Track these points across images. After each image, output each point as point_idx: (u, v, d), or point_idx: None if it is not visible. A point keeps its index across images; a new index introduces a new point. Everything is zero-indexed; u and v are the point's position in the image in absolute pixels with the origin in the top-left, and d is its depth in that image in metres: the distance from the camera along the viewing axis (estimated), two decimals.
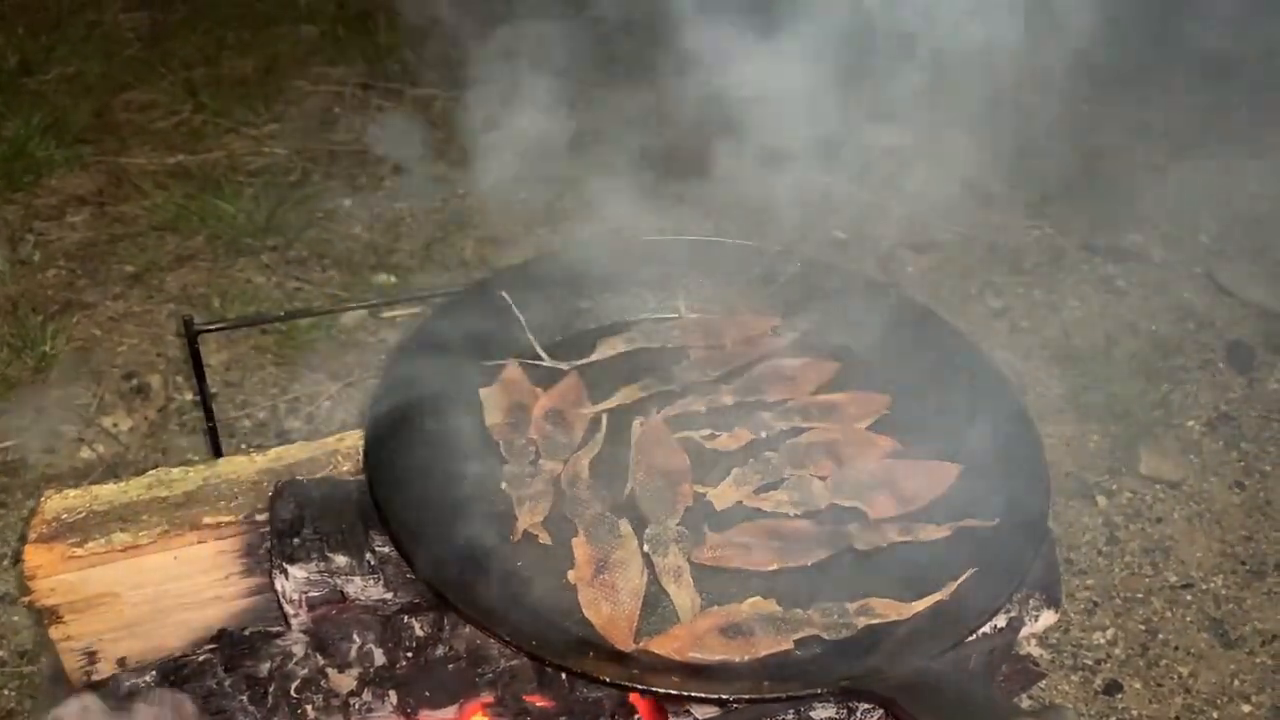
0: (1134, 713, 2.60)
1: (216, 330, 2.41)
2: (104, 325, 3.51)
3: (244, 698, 1.70)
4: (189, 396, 3.26)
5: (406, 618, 1.72)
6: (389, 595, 1.75)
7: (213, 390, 3.19)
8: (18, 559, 2.77)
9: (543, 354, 2.08)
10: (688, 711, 1.67)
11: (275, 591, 1.74)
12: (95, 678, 1.82)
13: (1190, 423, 3.35)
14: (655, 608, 1.68)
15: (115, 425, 3.17)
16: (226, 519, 1.80)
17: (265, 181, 4.15)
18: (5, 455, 3.07)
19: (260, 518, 1.80)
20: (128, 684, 1.75)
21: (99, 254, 3.79)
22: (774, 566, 1.74)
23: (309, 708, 1.69)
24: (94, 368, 3.34)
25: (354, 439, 1.96)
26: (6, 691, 2.54)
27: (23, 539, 2.78)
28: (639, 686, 1.55)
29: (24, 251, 3.77)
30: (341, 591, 1.74)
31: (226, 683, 1.71)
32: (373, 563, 1.74)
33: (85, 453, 3.09)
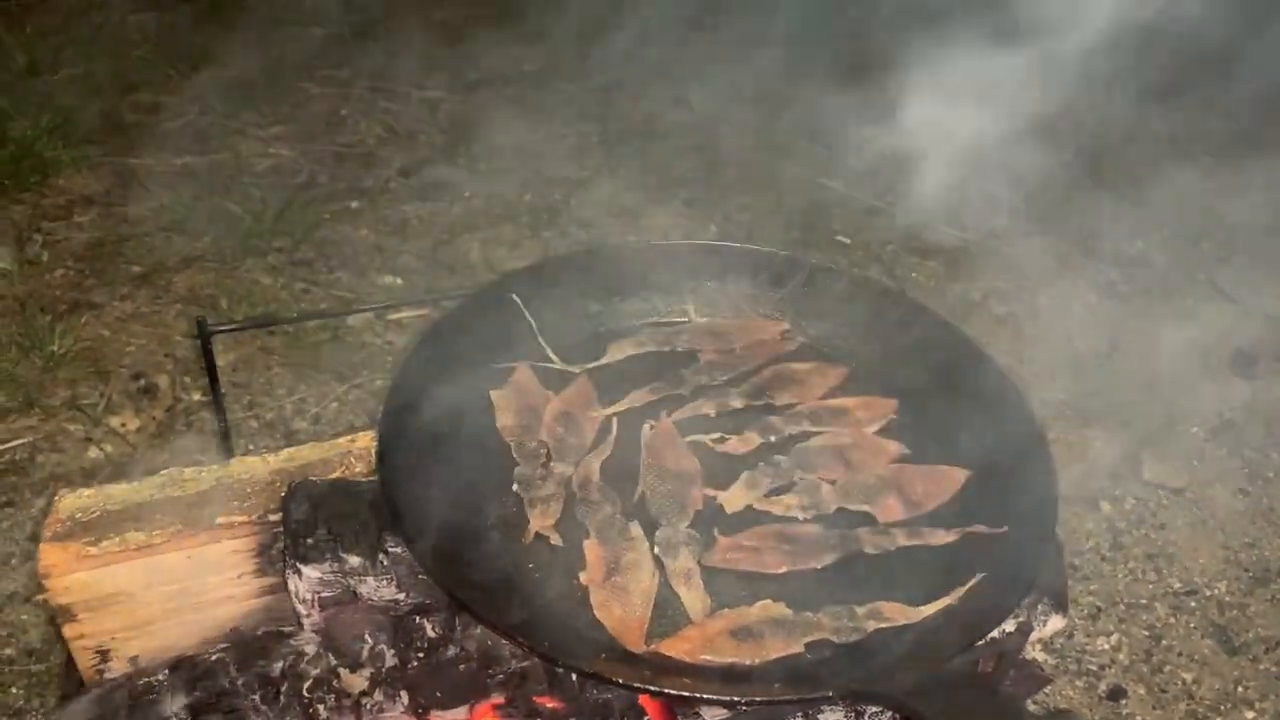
0: (1138, 719, 2.61)
1: (228, 331, 2.42)
2: (112, 325, 3.52)
3: (256, 697, 1.71)
4: (196, 397, 3.27)
5: (418, 618, 1.73)
6: (401, 596, 1.76)
7: (221, 391, 3.21)
8: (27, 557, 2.79)
9: (553, 357, 2.09)
10: (697, 714, 1.68)
11: (288, 591, 1.75)
12: (107, 676, 1.83)
13: (1194, 429, 3.37)
14: (666, 610, 1.69)
15: (123, 425, 3.18)
16: (240, 519, 1.81)
17: (272, 183, 4.17)
18: (13, 455, 3.08)
19: (273, 518, 1.81)
20: (140, 683, 1.76)
21: (106, 254, 3.80)
22: (784, 570, 1.75)
23: (321, 707, 1.69)
24: (102, 368, 3.35)
25: (366, 440, 1.97)
26: (15, 689, 2.55)
27: (32, 538, 2.80)
28: (650, 688, 1.56)
29: (32, 251, 3.79)
30: (354, 592, 1.75)
31: (239, 682, 1.72)
32: (385, 563, 1.75)
33: (93, 452, 3.10)
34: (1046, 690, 2.58)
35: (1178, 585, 2.92)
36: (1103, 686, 2.66)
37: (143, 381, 3.32)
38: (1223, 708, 2.64)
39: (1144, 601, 2.87)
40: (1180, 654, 2.75)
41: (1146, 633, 2.80)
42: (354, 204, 4.14)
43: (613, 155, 4.38)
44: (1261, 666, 2.73)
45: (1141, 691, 2.66)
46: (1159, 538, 3.04)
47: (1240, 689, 2.68)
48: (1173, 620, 2.84)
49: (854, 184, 4.22)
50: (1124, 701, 2.63)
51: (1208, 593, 2.91)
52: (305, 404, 3.29)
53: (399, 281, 3.77)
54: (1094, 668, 2.71)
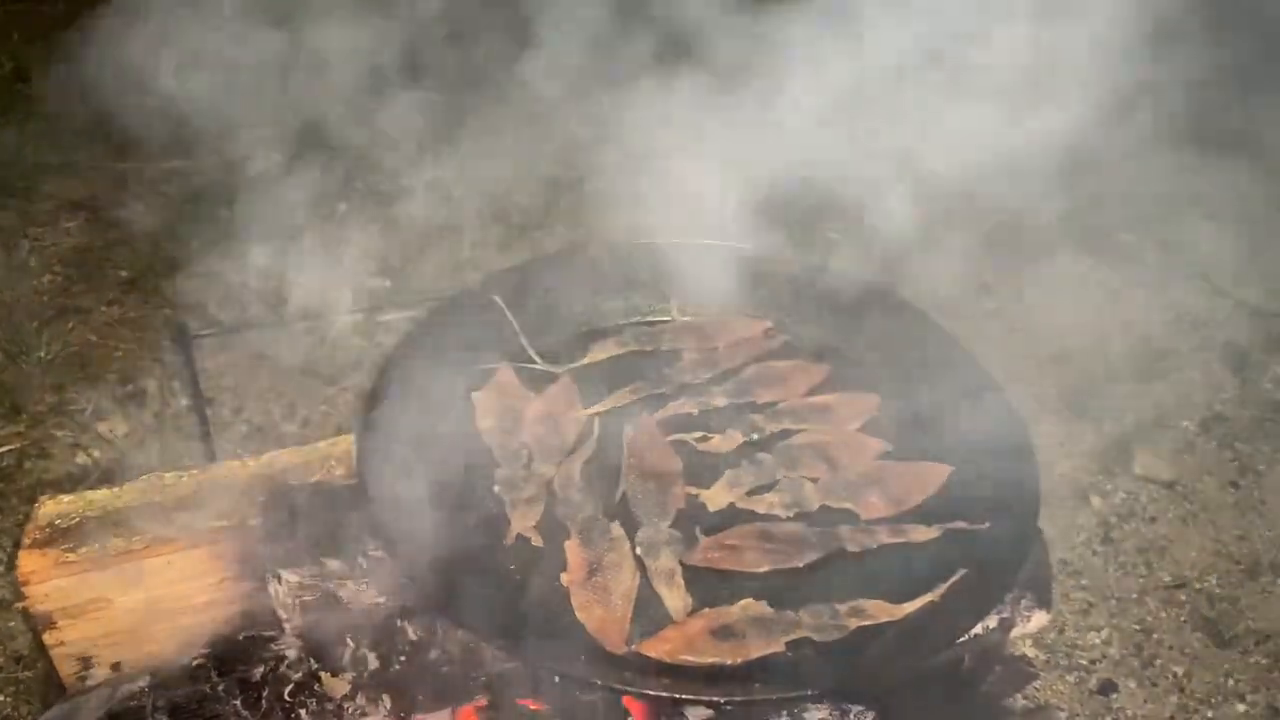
0: (1129, 713, 2.60)
1: (210, 336, 2.42)
2: (99, 331, 3.51)
3: (237, 702, 1.70)
4: (185, 402, 3.26)
5: (400, 621, 1.73)
6: (382, 599, 1.75)
7: (208, 395, 3.20)
8: (12, 564, 2.78)
9: (535, 357, 2.08)
10: (680, 714, 1.68)
11: (269, 596, 1.75)
12: (89, 683, 1.83)
13: (1184, 423, 3.36)
14: (647, 610, 1.69)
15: (111, 430, 3.17)
16: (221, 523, 1.81)
17: (260, 186, 4.15)
18: (1, 461, 3.07)
19: (254, 522, 1.81)
20: (122, 689, 1.76)
21: (94, 260, 3.79)
22: (765, 568, 1.74)
23: (303, 712, 1.69)
24: (90, 373, 3.34)
25: (347, 443, 1.96)
26: (3, 697, 2.54)
27: (18, 544, 2.79)
28: (632, 689, 1.56)
29: (19, 257, 3.78)
30: (335, 596, 1.75)
31: (220, 687, 1.71)
32: (366, 567, 1.74)
33: (81, 458, 3.09)
34: (1036, 685, 2.58)
35: (1168, 579, 2.91)
36: (1093, 681, 2.66)
37: (130, 387, 3.31)
38: (1214, 701, 2.63)
39: (1134, 595, 2.87)
40: (1171, 648, 2.75)
41: (1137, 627, 2.79)
42: (342, 206, 4.12)
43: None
44: (1252, 659, 2.72)
45: (1132, 685, 2.66)
46: (1149, 531, 3.03)
47: (1231, 682, 2.67)
48: (1163, 614, 2.83)
49: None
50: (1115, 696, 2.62)
51: (1198, 586, 2.90)
52: (294, 407, 3.28)
53: (387, 283, 3.76)
54: (1084, 662, 2.70)
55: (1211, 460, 3.24)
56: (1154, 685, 2.67)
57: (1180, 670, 2.70)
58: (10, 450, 3.10)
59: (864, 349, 2.11)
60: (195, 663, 1.76)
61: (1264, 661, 2.72)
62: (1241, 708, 2.63)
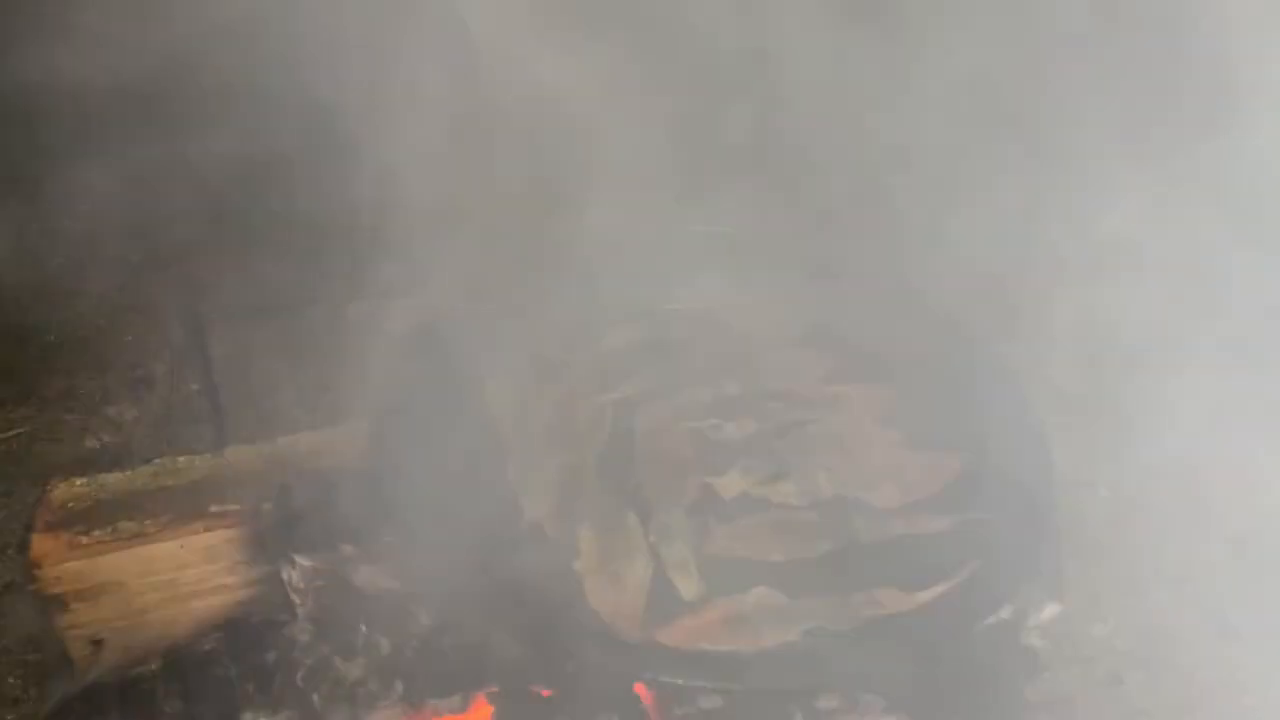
0: (1135, 704, 2.60)
1: (221, 320, 2.42)
2: (109, 315, 3.50)
3: (250, 686, 1.70)
4: (194, 386, 3.25)
5: (413, 606, 1.73)
6: (395, 584, 1.76)
7: (218, 379, 3.19)
8: (23, 547, 2.78)
9: (549, 344, 2.08)
10: (693, 702, 1.68)
11: (282, 580, 1.75)
12: (100, 666, 1.83)
13: None
14: (661, 598, 1.69)
15: (120, 414, 3.17)
16: (233, 507, 1.81)
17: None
18: (10, 445, 3.07)
19: (267, 506, 1.81)
20: (133, 673, 1.76)
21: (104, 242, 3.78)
22: (780, 557, 1.74)
23: (315, 696, 1.69)
24: (99, 356, 3.34)
25: (360, 428, 1.96)
26: (11, 680, 2.55)
27: (28, 527, 2.79)
28: (645, 676, 1.56)
29: (29, 240, 3.77)
30: (348, 580, 1.75)
31: (232, 672, 1.72)
32: (379, 551, 1.75)
33: (89, 442, 3.09)
34: (1043, 676, 2.57)
35: (1177, 570, 2.91)
36: (1100, 672, 2.65)
37: (140, 370, 3.31)
38: (1220, 693, 2.63)
39: (1141, 586, 2.86)
40: (1177, 639, 2.74)
41: (1144, 618, 2.79)
42: None
43: None
44: (1259, 651, 2.72)
45: (1139, 677, 2.65)
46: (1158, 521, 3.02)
47: (1238, 674, 2.67)
48: (1171, 605, 2.82)
49: None
50: (1121, 687, 2.62)
51: (1206, 577, 2.89)
52: (304, 392, 3.27)
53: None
54: (1092, 653, 2.70)
55: None
56: (1160, 677, 2.66)
57: (1188, 661, 2.69)
58: (20, 434, 3.10)
59: (880, 338, 2.10)
60: (208, 647, 1.76)
61: (1272, 654, 2.72)
62: (1248, 700, 2.62)
